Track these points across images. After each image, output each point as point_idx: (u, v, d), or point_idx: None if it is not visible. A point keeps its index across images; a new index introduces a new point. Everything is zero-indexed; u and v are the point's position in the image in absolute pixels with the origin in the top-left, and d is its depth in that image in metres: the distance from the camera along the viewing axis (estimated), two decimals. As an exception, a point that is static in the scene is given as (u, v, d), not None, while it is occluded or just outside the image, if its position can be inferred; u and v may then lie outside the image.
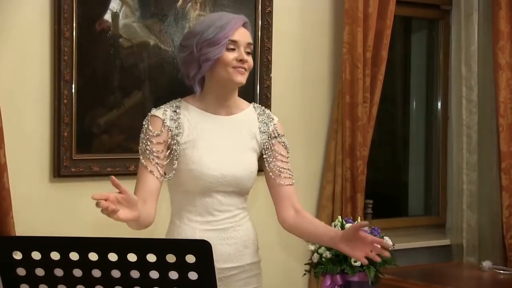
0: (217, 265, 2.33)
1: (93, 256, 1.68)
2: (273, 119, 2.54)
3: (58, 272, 1.70)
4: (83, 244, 1.69)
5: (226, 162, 2.40)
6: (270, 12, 3.80)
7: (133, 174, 3.44)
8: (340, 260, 2.68)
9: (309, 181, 4.03)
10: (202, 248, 1.67)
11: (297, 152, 3.96)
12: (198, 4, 3.60)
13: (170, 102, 2.46)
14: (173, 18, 3.54)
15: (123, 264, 1.68)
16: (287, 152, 2.55)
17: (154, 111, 2.43)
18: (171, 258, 1.68)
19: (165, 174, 2.43)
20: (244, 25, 2.41)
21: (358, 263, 2.65)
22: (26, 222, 3.17)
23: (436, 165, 4.86)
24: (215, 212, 2.41)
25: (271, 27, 3.80)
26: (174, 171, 2.39)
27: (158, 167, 2.38)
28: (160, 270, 1.68)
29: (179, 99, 2.47)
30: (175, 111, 2.42)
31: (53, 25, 3.27)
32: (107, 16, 3.37)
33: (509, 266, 4.30)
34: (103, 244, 1.68)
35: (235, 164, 2.42)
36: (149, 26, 3.48)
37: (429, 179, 4.93)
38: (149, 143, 2.39)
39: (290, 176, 2.51)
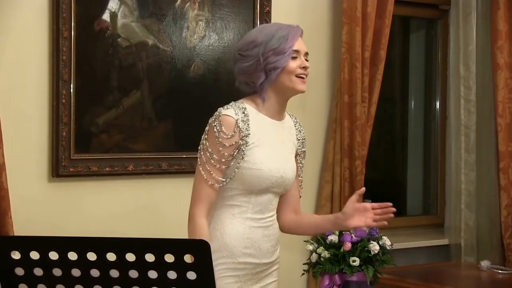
0: (257, 260, 2.50)
1: (91, 256, 1.68)
2: (303, 128, 2.68)
3: (57, 272, 1.70)
4: (81, 244, 1.69)
5: (285, 165, 2.53)
6: (269, 12, 3.80)
7: (131, 174, 3.47)
8: (338, 260, 2.69)
9: (308, 181, 4.02)
10: (201, 248, 1.67)
11: (296, 152, 3.96)
12: (197, 4, 3.60)
13: (234, 103, 2.50)
14: (171, 18, 3.54)
15: (121, 264, 1.68)
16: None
17: (225, 111, 2.46)
18: (169, 258, 1.67)
19: None
20: (300, 35, 2.53)
21: (356, 263, 2.66)
22: (24, 222, 3.17)
23: (435, 165, 4.86)
24: (264, 211, 2.52)
25: (269, 26, 3.80)
26: (236, 170, 2.44)
27: (221, 175, 2.44)
28: (158, 270, 1.68)
29: (241, 101, 2.52)
30: (243, 113, 2.46)
31: (51, 25, 3.27)
32: (106, 16, 3.37)
33: (508, 266, 4.31)
34: (101, 244, 1.68)
35: (289, 167, 2.55)
36: (147, 25, 3.48)
37: (427, 178, 4.94)
38: (221, 148, 2.41)
39: (301, 183, 2.67)
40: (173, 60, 3.53)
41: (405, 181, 5.07)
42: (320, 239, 2.74)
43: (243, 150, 2.44)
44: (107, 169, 3.40)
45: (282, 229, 2.65)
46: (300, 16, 3.99)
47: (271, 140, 2.51)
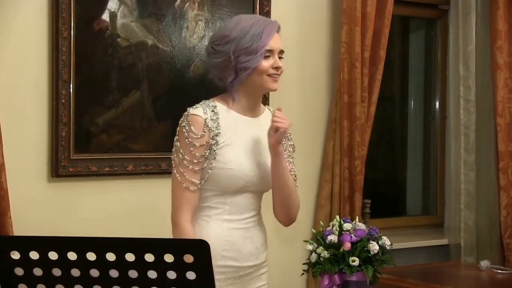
0: (238, 263, 2.41)
1: (91, 256, 1.68)
2: None
3: (56, 272, 1.70)
4: (81, 244, 1.69)
5: (260, 163, 2.45)
6: (268, 12, 3.80)
7: (131, 174, 3.47)
8: (338, 259, 2.68)
9: (307, 181, 4.03)
10: (200, 248, 1.67)
11: (296, 152, 3.96)
12: (196, 3, 3.60)
13: (204, 102, 2.45)
14: (171, 17, 3.53)
15: (121, 264, 1.68)
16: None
17: (193, 110, 2.41)
18: (169, 258, 1.67)
19: None
20: (277, 31, 2.44)
21: (356, 263, 2.65)
22: (24, 222, 3.17)
23: (434, 165, 4.87)
24: (243, 211, 2.45)
25: (269, 26, 3.80)
26: (210, 171, 2.38)
27: (197, 177, 2.38)
28: (158, 270, 1.68)
29: (212, 99, 2.47)
30: (213, 111, 2.41)
31: (51, 25, 3.27)
32: (105, 16, 3.37)
33: (507, 266, 4.31)
34: (101, 244, 1.68)
35: (265, 164, 2.47)
36: (147, 25, 3.48)
37: (427, 178, 4.94)
38: (192, 148, 2.36)
39: (295, 178, 2.57)
40: (172, 60, 3.53)
41: (404, 181, 5.07)
42: (319, 239, 2.73)
43: (214, 150, 2.38)
44: (107, 169, 3.40)
45: (284, 224, 2.59)
46: (300, 16, 3.99)
47: (244, 138, 2.44)
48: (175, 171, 2.40)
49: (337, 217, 2.83)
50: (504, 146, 4.50)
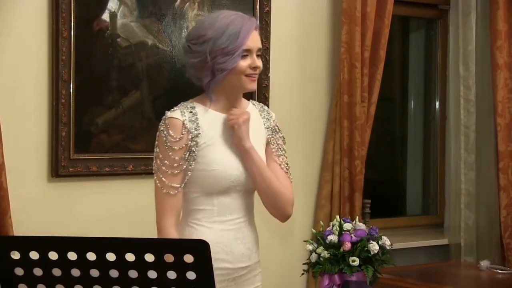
0: (231, 265, 2.37)
1: (91, 256, 1.68)
2: (271, 114, 2.55)
3: (56, 272, 1.70)
4: (81, 244, 1.69)
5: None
6: (268, 12, 3.80)
7: (131, 173, 3.47)
8: (338, 259, 2.69)
9: (307, 181, 4.03)
10: (201, 248, 1.67)
11: (295, 152, 3.96)
12: (196, 3, 3.60)
13: (182, 103, 2.42)
14: (171, 17, 3.53)
15: (121, 264, 1.67)
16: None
17: (171, 113, 2.38)
18: (169, 258, 1.67)
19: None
20: (255, 28, 2.39)
21: (356, 263, 2.65)
22: (24, 222, 3.17)
23: (434, 165, 4.87)
24: (233, 212, 2.40)
25: (269, 27, 3.80)
26: (189, 173, 2.35)
27: (178, 180, 2.34)
28: (158, 270, 1.68)
29: (190, 100, 2.44)
30: (191, 112, 2.38)
31: (51, 25, 3.27)
32: (105, 16, 3.37)
33: (507, 266, 4.31)
34: (101, 244, 1.68)
35: None
36: (147, 25, 3.48)
37: (427, 178, 4.94)
38: (171, 152, 2.32)
39: (287, 170, 2.51)
40: (172, 60, 3.53)
41: (404, 181, 5.07)
42: (319, 239, 2.73)
43: (193, 152, 2.34)
44: (107, 169, 3.40)
45: (279, 219, 2.51)
46: (300, 16, 3.99)
47: (226, 137, 2.39)
48: (155, 176, 2.37)
49: (337, 217, 2.83)
50: (504, 146, 4.50)
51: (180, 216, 2.40)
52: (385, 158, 5.10)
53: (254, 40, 2.37)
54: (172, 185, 2.34)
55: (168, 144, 2.33)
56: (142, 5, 3.46)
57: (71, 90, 3.29)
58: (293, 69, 3.97)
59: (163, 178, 2.34)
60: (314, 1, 4.04)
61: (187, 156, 2.34)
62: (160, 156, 2.35)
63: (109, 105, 3.40)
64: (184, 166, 2.34)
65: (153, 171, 2.39)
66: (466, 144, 4.52)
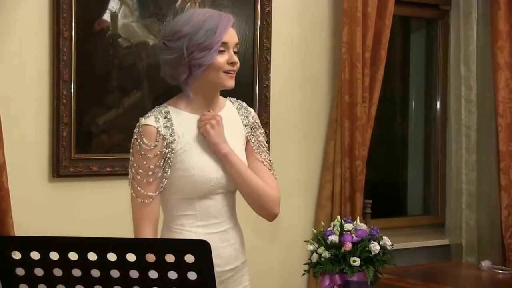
0: (219, 268, 2.31)
1: (92, 256, 1.68)
2: (250, 110, 2.51)
3: (57, 272, 1.70)
4: (82, 244, 1.69)
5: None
6: (269, 12, 3.80)
7: (132, 174, 3.46)
8: (339, 260, 2.68)
9: (308, 181, 4.03)
10: (201, 248, 1.67)
11: (296, 152, 3.96)
12: (197, 3, 3.60)
13: (156, 108, 2.37)
14: (172, 18, 3.53)
15: (122, 264, 1.68)
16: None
17: (144, 120, 2.31)
18: (170, 258, 1.68)
19: None
20: (232, 26, 2.35)
21: (357, 263, 2.65)
22: (25, 222, 3.17)
23: (435, 165, 4.86)
24: (217, 215, 2.36)
25: (270, 27, 3.80)
26: (166, 180, 2.31)
27: (153, 188, 2.29)
28: (159, 270, 1.68)
29: (164, 104, 2.39)
30: (166, 117, 2.33)
31: (52, 25, 3.27)
32: (106, 16, 3.37)
33: (508, 266, 4.31)
34: (102, 244, 1.68)
35: None
36: (148, 26, 3.48)
37: (428, 178, 4.94)
38: (145, 161, 2.27)
39: (270, 167, 2.46)
40: (173, 60, 3.53)
41: (405, 181, 5.07)
42: (320, 239, 2.73)
43: (169, 158, 2.29)
44: (108, 169, 3.40)
45: (266, 218, 2.46)
46: (301, 16, 3.99)
47: (203, 139, 2.34)
48: (130, 186, 2.32)
49: (338, 217, 2.83)
50: (505, 146, 4.50)
51: (157, 224, 2.35)
52: (386, 158, 5.10)
53: (231, 35, 2.32)
54: (148, 193, 2.29)
55: (142, 152, 2.28)
56: (143, 5, 3.46)
57: (72, 90, 3.29)
58: (294, 69, 3.97)
59: (138, 187, 2.29)
60: (315, 1, 4.04)
61: (161, 163, 2.30)
62: (135, 165, 2.30)
63: (110, 105, 3.40)
64: (160, 174, 2.30)
65: (128, 181, 2.34)
66: (467, 144, 4.52)
